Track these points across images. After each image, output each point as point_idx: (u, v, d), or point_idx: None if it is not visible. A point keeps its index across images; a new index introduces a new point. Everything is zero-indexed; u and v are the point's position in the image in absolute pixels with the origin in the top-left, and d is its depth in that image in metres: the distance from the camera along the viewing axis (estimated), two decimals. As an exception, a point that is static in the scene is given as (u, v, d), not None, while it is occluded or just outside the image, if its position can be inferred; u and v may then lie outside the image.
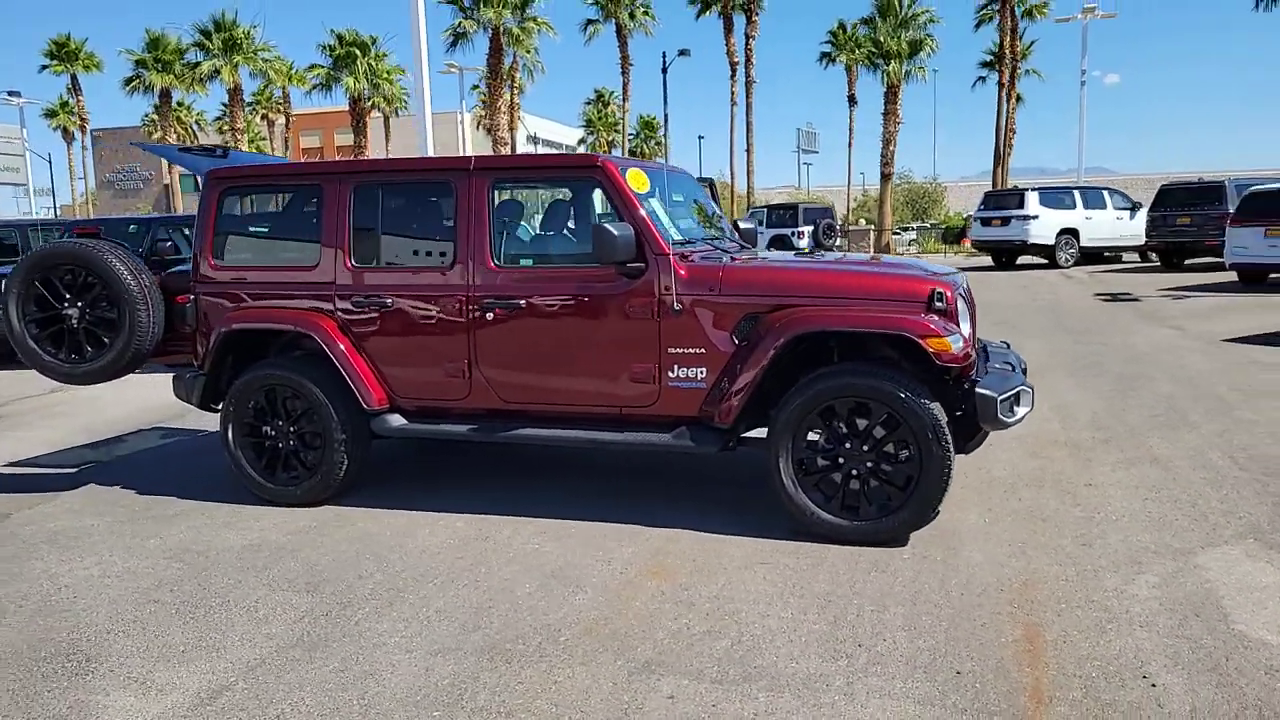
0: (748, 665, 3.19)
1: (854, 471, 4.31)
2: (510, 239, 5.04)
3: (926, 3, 35.86)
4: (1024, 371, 4.75)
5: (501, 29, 36.22)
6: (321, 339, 5.02)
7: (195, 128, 56.74)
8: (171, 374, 5.68)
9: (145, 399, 8.58)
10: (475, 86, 53.22)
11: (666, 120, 40.91)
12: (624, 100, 42.23)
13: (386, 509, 5.10)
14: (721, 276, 4.54)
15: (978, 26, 36.50)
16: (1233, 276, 16.40)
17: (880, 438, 4.27)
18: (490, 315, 4.80)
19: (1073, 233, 22.26)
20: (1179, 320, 11.84)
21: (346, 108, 44.56)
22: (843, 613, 3.57)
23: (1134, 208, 22.96)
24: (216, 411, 5.54)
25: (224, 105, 53.51)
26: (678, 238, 4.75)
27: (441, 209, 5.10)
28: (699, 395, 4.57)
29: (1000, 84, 34.84)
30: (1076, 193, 22.91)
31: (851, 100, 47.26)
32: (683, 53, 42.21)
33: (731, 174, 42.01)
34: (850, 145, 48.77)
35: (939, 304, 4.28)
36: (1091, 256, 22.96)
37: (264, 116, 57.40)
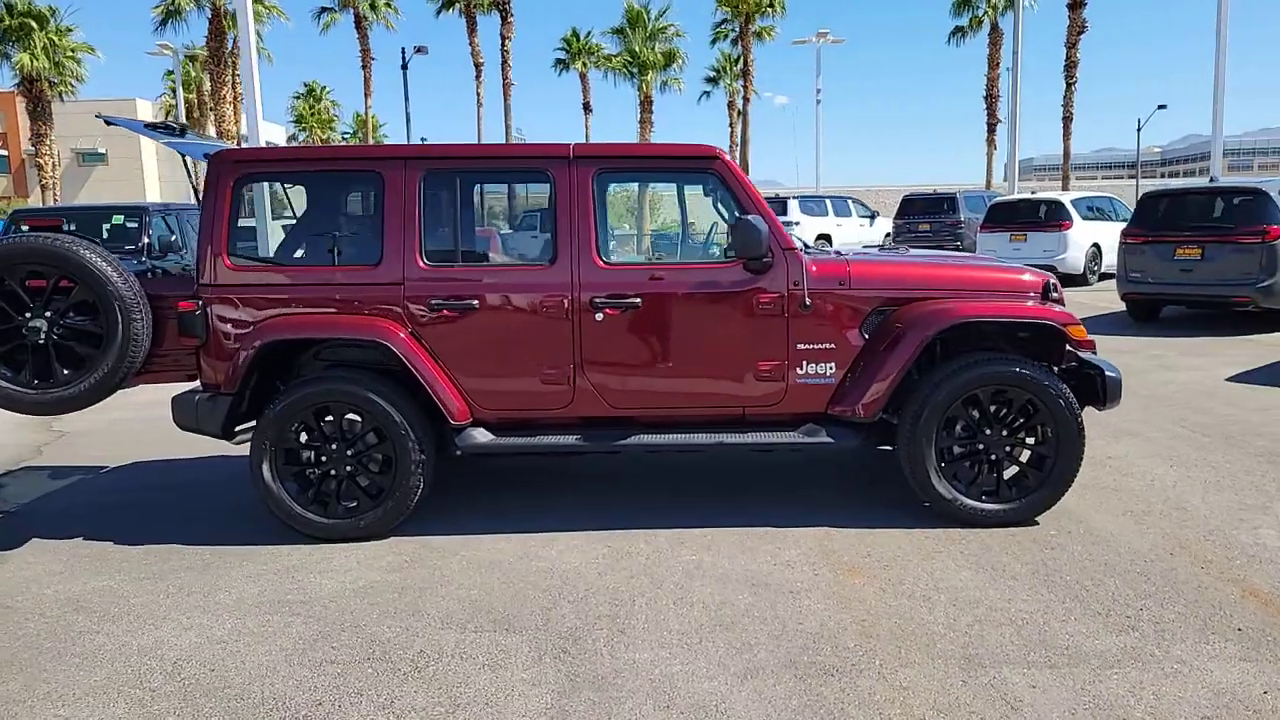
0: (1059, 648, 3.26)
1: (993, 456, 4.50)
2: (616, 233, 4.73)
3: (670, 18, 37.24)
4: None
5: (224, 9, 33.17)
6: (398, 347, 4.41)
7: None
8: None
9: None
10: (169, 73, 48.30)
11: (409, 120, 39.17)
12: (366, 96, 40.21)
13: (474, 534, 4.58)
14: (850, 271, 4.56)
15: (714, 42, 38.76)
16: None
17: (1016, 423, 4.49)
18: (600, 316, 4.47)
19: (827, 238, 24.26)
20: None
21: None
22: (1072, 589, 3.74)
23: (873, 216, 25.53)
24: (229, 440, 4.71)
25: None
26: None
27: (533, 200, 4.67)
28: (827, 391, 4.56)
29: (745, 98, 37.24)
30: (827, 200, 25.07)
31: (587, 108, 48.32)
32: (419, 49, 40.88)
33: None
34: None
35: (1055, 294, 4.60)
36: (840, 260, 25.13)
37: None
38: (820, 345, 4.53)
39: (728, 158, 4.55)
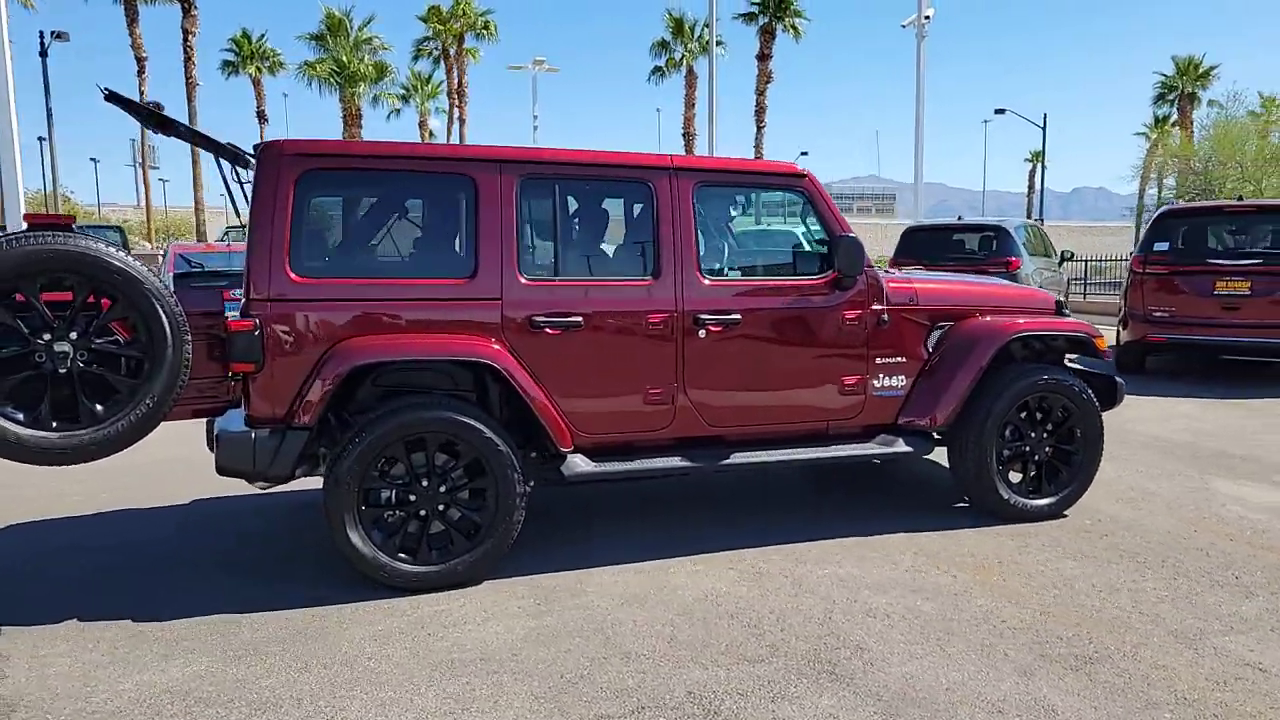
0: (1225, 616, 3.71)
1: (1036, 458, 4.98)
2: (711, 248, 4.62)
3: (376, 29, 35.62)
4: None
5: None
6: (507, 369, 4.00)
7: None
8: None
9: None
10: None
11: (50, 117, 33.98)
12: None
13: (571, 569, 4.26)
14: (916, 289, 4.85)
15: (416, 58, 37.81)
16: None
17: (1051, 426, 5.00)
18: (703, 333, 4.37)
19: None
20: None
21: None
22: (1167, 567, 4.26)
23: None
24: (273, 484, 3.98)
25: None
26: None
27: (632, 211, 4.44)
28: (897, 403, 4.80)
29: (461, 119, 36.64)
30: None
31: (261, 116, 45.05)
32: (59, 35, 35.82)
33: (146, 187, 36.81)
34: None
35: (1065, 310, 5.22)
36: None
37: None
38: (895, 359, 4.76)
39: (814, 176, 4.65)
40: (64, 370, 3.42)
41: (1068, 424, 4.99)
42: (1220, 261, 9.23)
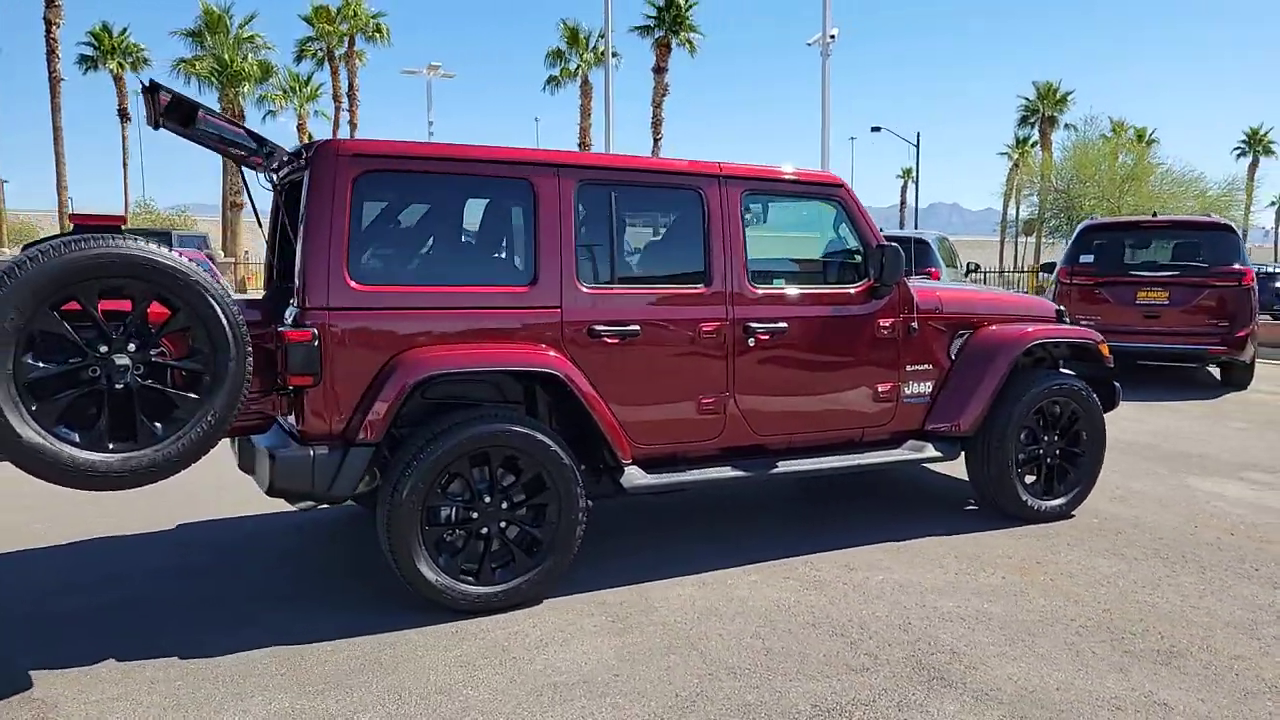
0: (1265, 606, 3.92)
1: (1048, 460, 5.16)
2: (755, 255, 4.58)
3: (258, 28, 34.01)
4: None
5: None
6: (572, 379, 3.88)
7: None
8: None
9: None
10: None
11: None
12: None
13: (621, 585, 4.15)
14: (940, 298, 4.96)
15: (299, 59, 36.46)
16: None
17: (1060, 431, 5.19)
18: (753, 341, 4.35)
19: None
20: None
21: None
22: (1190, 563, 4.47)
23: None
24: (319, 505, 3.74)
25: None
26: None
27: (683, 218, 4.37)
28: (924, 409, 4.90)
29: (352, 123, 35.41)
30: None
31: (124, 115, 42.78)
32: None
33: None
34: (125, 166, 43.55)
35: (1066, 319, 5.44)
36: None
37: None
38: (922, 366, 4.85)
39: (850, 186, 4.70)
40: (121, 385, 3.09)
41: (1075, 426, 5.19)
42: (1141, 273, 9.85)
